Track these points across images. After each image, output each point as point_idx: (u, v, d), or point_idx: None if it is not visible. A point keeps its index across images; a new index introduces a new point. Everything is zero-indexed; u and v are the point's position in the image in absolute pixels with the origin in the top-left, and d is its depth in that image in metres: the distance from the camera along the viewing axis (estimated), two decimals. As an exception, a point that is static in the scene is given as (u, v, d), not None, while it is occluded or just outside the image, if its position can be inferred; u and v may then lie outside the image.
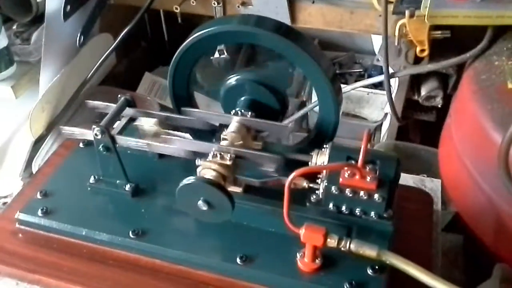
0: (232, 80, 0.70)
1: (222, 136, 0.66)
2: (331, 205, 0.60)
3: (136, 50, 1.34)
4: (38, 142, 1.06)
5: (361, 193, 0.58)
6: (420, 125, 1.21)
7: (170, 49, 1.44)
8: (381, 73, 1.28)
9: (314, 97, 1.25)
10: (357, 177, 0.58)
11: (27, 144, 1.04)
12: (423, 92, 1.08)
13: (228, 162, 0.61)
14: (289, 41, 0.63)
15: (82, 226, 0.68)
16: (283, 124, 0.67)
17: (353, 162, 0.59)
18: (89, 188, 0.73)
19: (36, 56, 1.06)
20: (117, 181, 0.72)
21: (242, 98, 0.71)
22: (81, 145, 0.81)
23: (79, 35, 1.00)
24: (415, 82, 1.09)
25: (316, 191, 0.62)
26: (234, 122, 0.67)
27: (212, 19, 0.69)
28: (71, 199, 0.72)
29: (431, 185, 0.86)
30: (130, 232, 0.67)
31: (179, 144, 0.65)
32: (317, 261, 0.61)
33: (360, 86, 1.07)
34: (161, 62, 1.36)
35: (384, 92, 1.17)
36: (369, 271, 0.61)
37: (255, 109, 0.69)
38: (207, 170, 0.61)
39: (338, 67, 1.34)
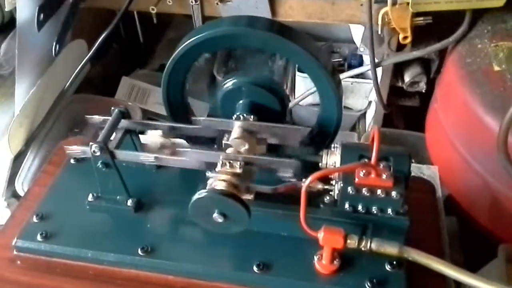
0: (229, 84, 0.68)
1: (226, 142, 0.65)
2: (347, 205, 0.60)
3: (108, 54, 1.29)
4: (18, 159, 1.01)
5: (378, 191, 0.57)
6: (403, 110, 1.22)
7: (146, 50, 1.40)
8: (360, 61, 1.29)
9: (298, 90, 1.24)
10: (372, 175, 0.57)
11: (6, 162, 0.99)
12: (407, 78, 1.09)
13: (238, 170, 0.60)
14: (285, 39, 0.61)
15: (86, 247, 0.65)
16: (296, 127, 0.65)
17: (366, 160, 0.59)
18: (88, 207, 0.69)
19: (8, 69, 1.01)
20: (118, 197, 0.69)
21: (241, 102, 0.69)
22: (72, 161, 0.77)
23: (54, 44, 0.95)
24: (398, 69, 1.10)
25: (330, 192, 0.61)
26: (238, 128, 0.65)
27: (203, 25, 0.66)
28: (71, 220, 0.69)
29: (429, 172, 0.87)
30: (139, 250, 0.64)
31: (191, 155, 0.63)
32: (335, 262, 0.61)
33: (348, 77, 1.06)
34: (137, 64, 1.31)
35: (368, 81, 1.18)
36: (388, 267, 0.61)
37: (256, 112, 0.68)
38: (217, 181, 0.59)
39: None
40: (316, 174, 0.55)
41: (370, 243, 0.58)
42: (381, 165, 0.58)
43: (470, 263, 0.97)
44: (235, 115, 0.67)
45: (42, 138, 1.06)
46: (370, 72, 1.06)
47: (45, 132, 1.07)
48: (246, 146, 0.64)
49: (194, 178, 0.66)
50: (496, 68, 0.89)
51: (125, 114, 0.69)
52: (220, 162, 0.60)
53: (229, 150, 0.63)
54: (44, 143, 1.07)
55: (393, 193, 0.57)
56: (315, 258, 0.62)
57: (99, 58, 1.24)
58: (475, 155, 0.89)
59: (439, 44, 0.98)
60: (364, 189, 0.58)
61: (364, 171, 0.57)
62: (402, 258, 0.59)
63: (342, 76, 1.04)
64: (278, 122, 0.71)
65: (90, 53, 1.05)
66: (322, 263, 0.61)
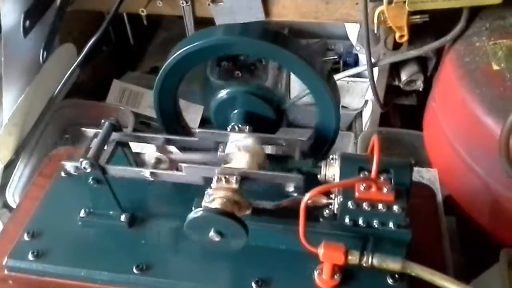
0: (224, 93, 0.66)
1: (222, 153, 0.63)
2: (347, 220, 0.58)
3: (98, 57, 1.26)
4: (8, 168, 0.99)
5: (379, 206, 0.56)
6: (400, 109, 1.20)
7: (137, 53, 1.37)
8: (356, 59, 1.27)
9: (293, 88, 1.21)
10: (373, 189, 0.56)
11: (-4, 172, 0.96)
12: (404, 77, 1.07)
13: (235, 186, 0.58)
14: (279, 47, 0.59)
15: (80, 266, 0.63)
16: (298, 139, 0.63)
17: (366, 173, 0.57)
18: (80, 223, 0.67)
19: (-6, 77, 0.98)
20: (111, 212, 0.67)
21: (235, 112, 0.67)
22: (62, 174, 0.75)
23: (42, 50, 0.92)
24: (395, 67, 1.08)
25: (330, 206, 0.60)
26: (236, 139, 0.63)
27: (195, 33, 0.64)
28: (63, 238, 0.67)
29: (428, 175, 0.86)
30: (134, 268, 0.62)
31: (187, 170, 0.61)
32: (336, 277, 0.59)
33: (344, 77, 1.04)
34: (128, 67, 1.28)
35: (364, 80, 1.15)
36: (390, 280, 0.59)
37: (251, 121, 0.66)
38: (213, 197, 0.57)
39: (312, 55, 1.30)
40: (315, 190, 0.53)
41: (372, 258, 0.56)
42: (382, 178, 0.57)
43: (471, 264, 0.96)
44: (230, 126, 0.65)
45: (33, 146, 1.03)
46: (366, 71, 1.04)
47: (35, 140, 1.04)
48: (247, 158, 0.62)
49: (189, 190, 0.64)
50: (495, 67, 0.87)
51: (116, 127, 0.67)
52: (216, 177, 0.58)
53: (227, 164, 0.61)
54: (35, 151, 1.04)
55: (395, 207, 0.56)
56: (315, 273, 0.60)
57: (89, 62, 1.20)
58: (475, 156, 0.87)
59: (437, 42, 0.96)
60: (364, 203, 0.56)
61: (364, 185, 0.56)
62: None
63: (338, 76, 1.02)
64: (274, 129, 0.70)
65: (80, 58, 1.02)
66: (323, 278, 0.59)
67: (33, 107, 1.00)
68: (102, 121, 0.67)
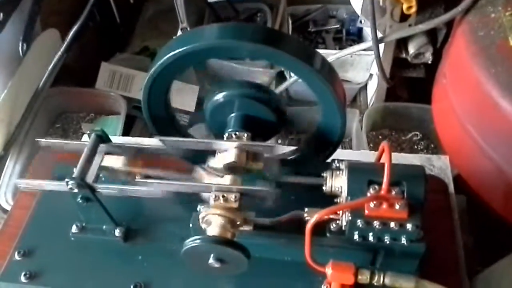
0: (219, 97, 0.60)
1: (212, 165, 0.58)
2: (356, 236, 0.54)
3: (84, 37, 1.17)
4: (-3, 164, 0.95)
5: (392, 224, 0.51)
6: (407, 81, 1.14)
7: (124, 32, 1.29)
8: (360, 27, 1.19)
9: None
10: (384, 206, 0.51)
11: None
12: (411, 49, 1.00)
13: (234, 205, 0.53)
14: (275, 49, 0.53)
15: (76, 287, 0.60)
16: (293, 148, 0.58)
17: (376, 187, 0.52)
18: (73, 239, 0.64)
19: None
20: (104, 227, 0.63)
21: (233, 115, 0.61)
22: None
23: (21, 42, 0.85)
24: (402, 39, 1.01)
25: (337, 221, 0.55)
26: (230, 149, 0.58)
27: (183, 34, 0.57)
28: (55, 256, 0.63)
29: (439, 163, 0.81)
30: (132, 287, 0.59)
31: (173, 187, 0.56)
32: (345, 292, 0.56)
33: (348, 54, 0.97)
34: (116, 48, 1.20)
35: (368, 53, 1.08)
36: (402, 294, 0.56)
37: (250, 127, 0.60)
38: (211, 216, 0.53)
39: (312, 25, 1.22)
40: (321, 213, 0.49)
41: (383, 278, 0.52)
42: (393, 192, 0.52)
43: (480, 245, 0.93)
44: (226, 133, 0.60)
45: (22, 139, 0.99)
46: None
47: (24, 133, 0.99)
48: (242, 170, 0.57)
49: (185, 201, 0.60)
50: (512, 42, 0.80)
51: (103, 138, 0.62)
52: (213, 196, 0.54)
53: (225, 180, 0.56)
54: (24, 145, 1.00)
55: (408, 226, 0.51)
56: (323, 288, 0.57)
57: (75, 43, 1.13)
58: (488, 139, 0.82)
59: (447, 14, 0.89)
60: (375, 221, 0.52)
61: (375, 202, 0.51)
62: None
63: (341, 53, 0.95)
64: (276, 130, 0.65)
65: (65, 43, 0.96)
66: (331, 294, 0.56)
67: (18, 100, 0.94)
68: (88, 132, 0.61)
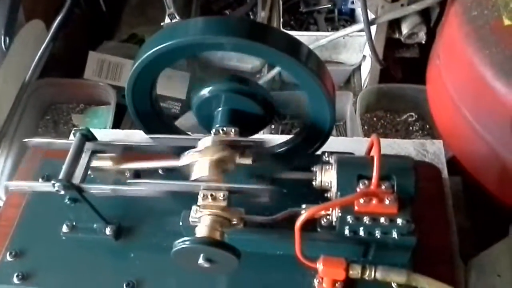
0: (205, 92, 0.59)
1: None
2: (346, 231, 0.53)
3: (70, 25, 1.14)
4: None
5: (382, 219, 0.51)
6: (401, 61, 1.12)
7: (111, 19, 1.25)
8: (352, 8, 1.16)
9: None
10: (374, 201, 0.50)
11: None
12: (405, 30, 0.98)
13: (223, 203, 0.53)
14: (260, 44, 0.51)
15: (69, 288, 0.60)
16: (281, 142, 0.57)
17: (366, 182, 0.51)
18: (64, 238, 0.64)
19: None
20: (95, 225, 0.63)
21: (220, 110, 0.60)
22: (41, 181, 0.69)
23: (3, 36, 0.83)
24: (395, 19, 0.98)
25: (328, 216, 0.55)
26: (216, 143, 0.57)
27: (165, 30, 0.56)
28: (47, 257, 0.63)
29: (433, 148, 0.80)
30: (124, 286, 0.59)
31: (160, 187, 0.55)
32: (337, 285, 0.56)
33: (340, 36, 0.95)
34: (103, 36, 1.18)
35: (361, 33, 1.06)
36: (394, 285, 0.56)
37: (238, 121, 0.59)
38: (201, 216, 0.52)
39: (304, 5, 1.19)
40: (311, 212, 0.48)
41: (375, 272, 0.52)
42: (383, 186, 0.51)
43: (476, 228, 0.93)
44: (214, 129, 0.59)
45: (12, 134, 0.98)
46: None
47: (13, 127, 0.98)
48: (228, 165, 0.56)
49: (176, 196, 0.59)
50: (507, 22, 0.78)
51: (89, 137, 0.61)
52: (201, 195, 0.53)
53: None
54: (15, 139, 0.99)
55: (399, 220, 0.51)
56: (315, 282, 0.57)
57: (61, 32, 1.10)
58: (482, 121, 0.81)
59: (440, -7, 0.86)
60: (365, 217, 0.51)
61: (364, 198, 0.50)
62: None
63: (333, 35, 0.93)
64: (265, 123, 0.63)
65: (50, 33, 0.94)
66: (323, 287, 0.56)
67: (5, 94, 0.93)
68: (73, 131, 0.60)
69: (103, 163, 0.60)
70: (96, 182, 0.60)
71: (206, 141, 0.56)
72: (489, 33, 0.78)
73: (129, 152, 0.62)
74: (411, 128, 1.13)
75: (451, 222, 0.68)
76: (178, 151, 0.61)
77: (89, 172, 0.60)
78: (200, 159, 0.54)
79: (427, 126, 1.14)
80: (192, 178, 0.54)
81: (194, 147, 0.58)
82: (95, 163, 0.59)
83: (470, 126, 0.83)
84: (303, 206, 0.54)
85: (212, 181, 0.54)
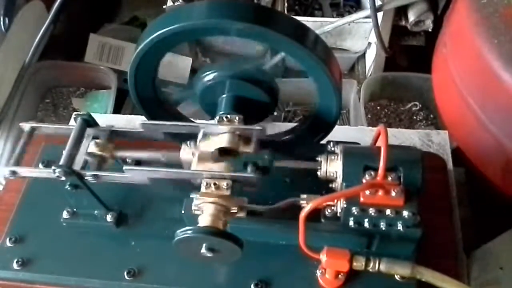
0: (209, 78, 0.58)
1: (208, 149, 0.56)
2: (351, 222, 0.52)
3: (70, 5, 1.12)
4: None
5: (387, 211, 0.50)
6: (407, 49, 1.10)
7: (112, 1, 1.22)
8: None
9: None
10: (380, 193, 0.50)
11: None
12: (412, 17, 0.96)
13: (226, 193, 0.52)
14: (269, 29, 0.50)
15: (69, 274, 0.60)
16: (254, 128, 0.55)
17: (372, 173, 0.50)
18: (64, 224, 0.63)
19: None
20: (95, 212, 0.62)
21: (224, 97, 0.59)
22: (41, 166, 0.68)
23: (2, 18, 0.81)
24: (402, 6, 0.97)
25: (332, 207, 0.54)
26: (223, 132, 0.56)
27: (168, 13, 0.54)
28: (48, 242, 0.62)
29: (438, 139, 0.79)
30: (125, 273, 0.59)
31: (163, 174, 0.55)
32: (340, 276, 0.55)
33: (346, 23, 0.93)
34: (104, 18, 1.16)
35: (367, 20, 1.04)
36: (397, 277, 0.55)
37: (242, 108, 0.58)
38: (204, 204, 0.51)
39: (308, -9, 1.17)
40: (316, 202, 0.48)
41: (379, 264, 0.52)
42: (390, 178, 0.50)
43: (479, 219, 0.93)
44: (218, 116, 0.58)
45: (11, 117, 0.97)
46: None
47: (13, 111, 0.97)
48: (232, 157, 0.55)
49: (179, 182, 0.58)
50: (517, 10, 0.76)
51: (90, 122, 0.60)
52: (204, 183, 0.52)
53: (216, 166, 0.55)
54: (14, 122, 0.98)
55: (405, 213, 0.50)
56: (318, 272, 0.56)
57: (61, 10, 1.08)
58: (489, 113, 0.80)
59: (449, -20, 0.84)
60: (370, 209, 0.50)
61: (370, 189, 0.50)
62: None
63: (339, 22, 0.91)
64: (268, 112, 0.62)
65: (50, 15, 0.92)
66: (326, 278, 0.56)
67: (5, 77, 0.91)
68: (73, 116, 0.59)
69: (102, 149, 0.58)
70: (95, 169, 0.59)
71: (209, 129, 0.55)
72: (498, 21, 0.76)
73: (129, 138, 0.61)
74: (415, 117, 1.12)
75: (455, 213, 0.68)
76: (181, 138, 0.60)
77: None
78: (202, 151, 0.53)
79: (431, 116, 1.13)
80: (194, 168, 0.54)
81: (196, 134, 0.57)
82: (93, 149, 0.58)
83: (475, 117, 0.82)
84: (303, 196, 0.53)
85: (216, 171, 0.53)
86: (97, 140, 0.57)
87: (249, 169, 0.53)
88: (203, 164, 0.55)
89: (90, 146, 0.57)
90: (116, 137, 0.59)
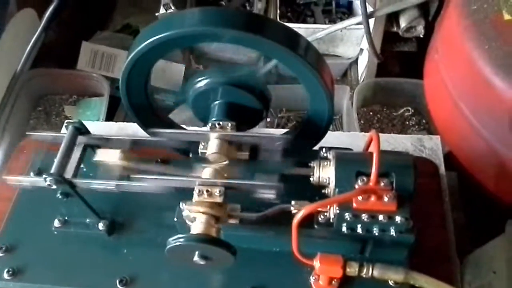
0: (201, 84, 0.58)
1: (203, 151, 0.56)
2: (344, 228, 0.52)
3: (62, 13, 1.12)
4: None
5: (380, 216, 0.50)
6: (398, 55, 1.11)
7: (104, 8, 1.22)
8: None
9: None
10: (372, 198, 0.50)
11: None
12: (403, 23, 0.97)
13: (219, 200, 0.52)
14: (260, 37, 0.50)
15: (61, 284, 0.59)
16: (279, 136, 0.56)
17: (364, 179, 0.51)
18: (55, 233, 0.62)
19: None
20: (87, 220, 0.62)
21: (216, 103, 0.59)
22: (32, 175, 0.68)
23: (-7, 26, 0.81)
24: (393, 13, 0.97)
25: (325, 213, 0.54)
26: (213, 139, 0.56)
27: (161, 21, 0.54)
28: (39, 252, 0.62)
29: (431, 144, 0.79)
30: (117, 282, 0.58)
31: (155, 182, 0.54)
32: (333, 282, 0.55)
33: (338, 29, 0.94)
34: (96, 26, 1.15)
35: (359, 27, 1.05)
36: (391, 282, 0.55)
37: (234, 114, 0.58)
38: (195, 214, 0.51)
39: (301, -4, 1.18)
40: (308, 209, 0.47)
41: (372, 270, 0.52)
42: (382, 183, 0.50)
43: (472, 224, 0.93)
44: (210, 123, 0.58)
45: (3, 125, 0.96)
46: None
47: (5, 119, 0.96)
48: (226, 161, 0.55)
49: (171, 190, 0.58)
50: (507, 17, 0.77)
51: (82, 130, 0.59)
52: (197, 191, 0.52)
53: (206, 172, 0.55)
54: (6, 131, 0.97)
55: (397, 218, 0.50)
56: (312, 279, 0.56)
57: (52, 18, 1.07)
58: (481, 118, 0.80)
59: (440, -13, 0.85)
60: (363, 214, 0.50)
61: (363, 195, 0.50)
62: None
63: (331, 28, 0.91)
64: (261, 118, 0.62)
65: (42, 23, 0.92)
66: (320, 284, 0.56)
67: (-4, 85, 0.91)
68: (65, 124, 0.59)
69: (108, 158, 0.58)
70: (88, 177, 0.58)
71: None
72: (488, 27, 0.77)
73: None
74: (407, 122, 1.13)
75: (448, 218, 0.68)
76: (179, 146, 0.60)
77: (81, 166, 0.59)
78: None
79: (424, 121, 1.13)
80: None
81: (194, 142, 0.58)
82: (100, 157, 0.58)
83: (467, 122, 0.83)
84: (293, 202, 0.53)
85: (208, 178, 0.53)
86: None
87: (242, 175, 0.53)
88: (196, 171, 0.55)
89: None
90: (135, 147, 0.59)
